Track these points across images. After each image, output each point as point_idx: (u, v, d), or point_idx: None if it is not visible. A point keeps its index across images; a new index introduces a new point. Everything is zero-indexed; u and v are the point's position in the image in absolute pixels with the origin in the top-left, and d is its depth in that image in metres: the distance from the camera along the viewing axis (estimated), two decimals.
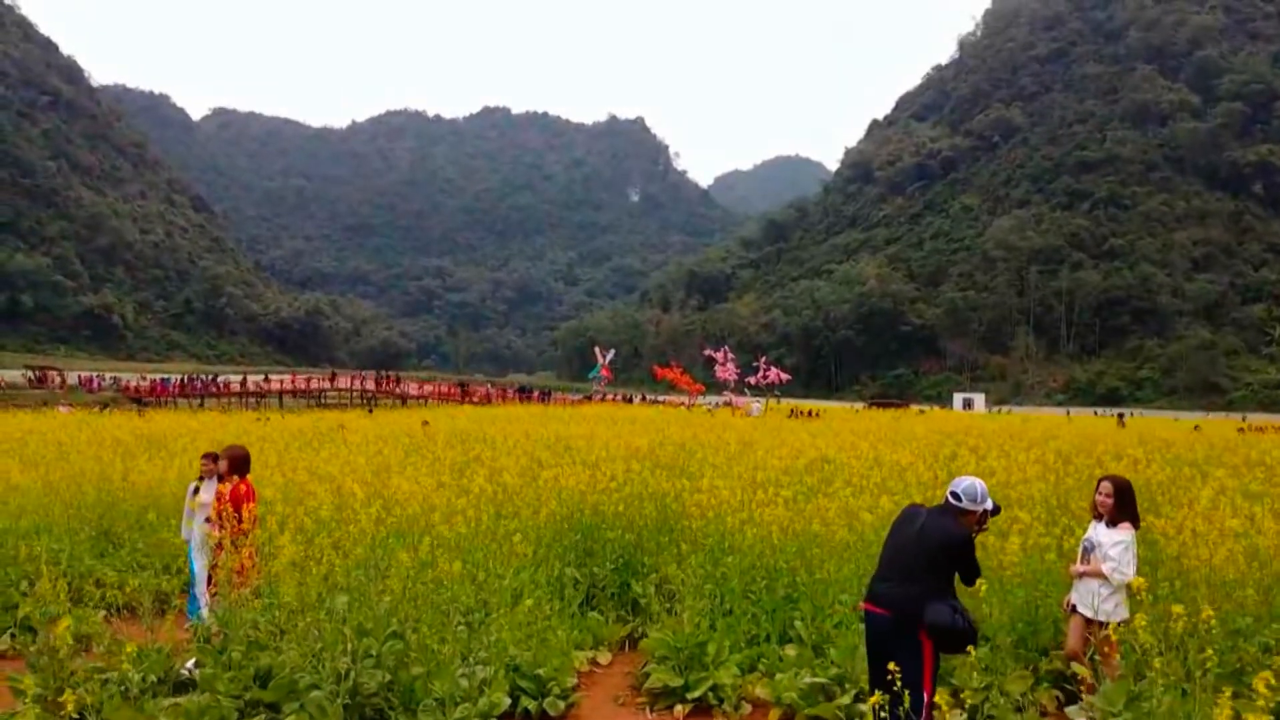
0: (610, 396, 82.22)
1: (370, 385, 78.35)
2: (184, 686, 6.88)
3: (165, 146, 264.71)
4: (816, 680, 6.70)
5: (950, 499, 5.58)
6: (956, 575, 5.43)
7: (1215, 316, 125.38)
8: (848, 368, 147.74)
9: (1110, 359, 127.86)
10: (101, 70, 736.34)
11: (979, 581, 5.68)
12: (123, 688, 6.19)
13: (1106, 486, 6.81)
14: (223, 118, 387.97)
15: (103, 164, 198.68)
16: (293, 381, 78.32)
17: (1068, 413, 59.38)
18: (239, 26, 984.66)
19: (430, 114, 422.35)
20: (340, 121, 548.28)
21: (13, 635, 8.82)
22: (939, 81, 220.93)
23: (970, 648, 5.00)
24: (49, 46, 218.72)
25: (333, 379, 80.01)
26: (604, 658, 8.29)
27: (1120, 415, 47.58)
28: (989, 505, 5.62)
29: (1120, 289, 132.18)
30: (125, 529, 11.63)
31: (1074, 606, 6.84)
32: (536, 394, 78.50)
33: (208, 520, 8.09)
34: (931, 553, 5.30)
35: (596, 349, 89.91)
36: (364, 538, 6.91)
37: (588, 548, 9.42)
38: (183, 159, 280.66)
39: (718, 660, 7.23)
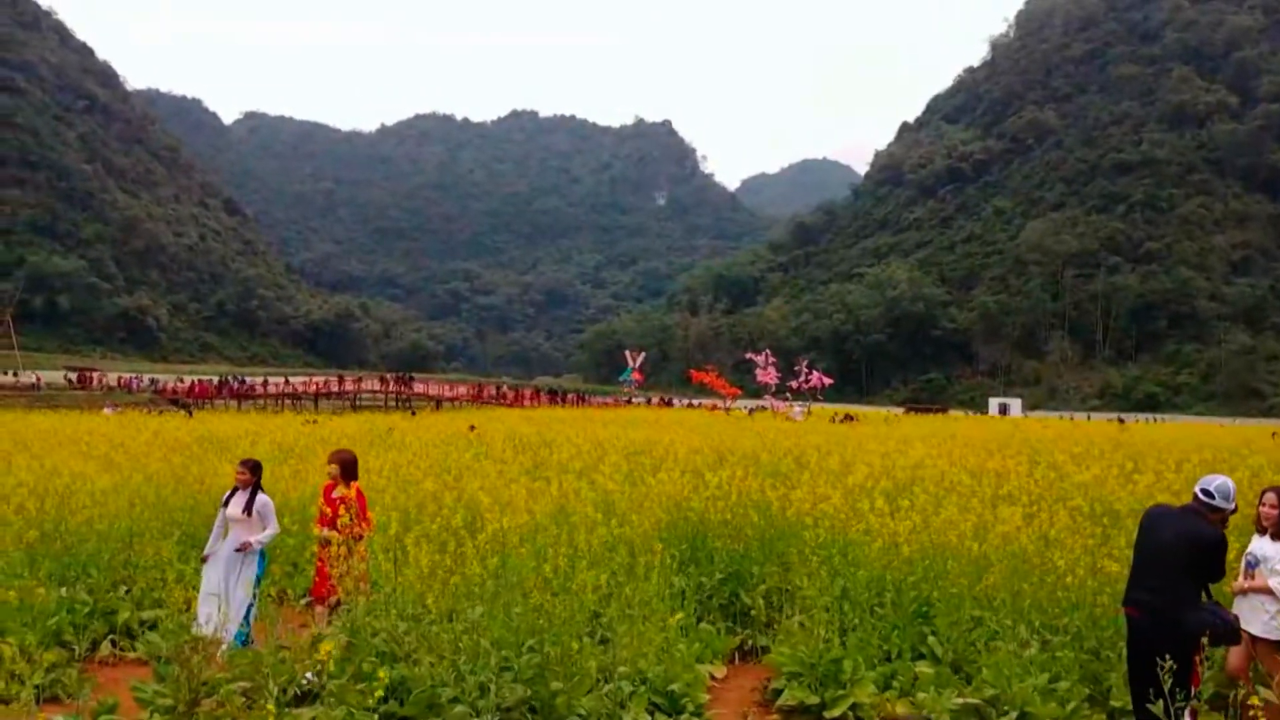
0: (645, 400, 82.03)
1: (378, 386, 78.86)
2: (302, 698, 6.70)
3: (198, 150, 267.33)
4: (968, 701, 6.42)
5: (1201, 497, 5.53)
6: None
7: (1255, 321, 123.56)
8: (879, 372, 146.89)
9: (1147, 364, 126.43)
10: (136, 75, 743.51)
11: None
12: (262, 698, 6.00)
13: (1271, 498, 6.49)
14: (254, 121, 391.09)
15: (137, 167, 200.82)
16: (312, 384, 78.78)
17: (1120, 419, 58.39)
18: (270, 32, 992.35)
19: (458, 118, 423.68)
20: (369, 125, 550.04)
21: (113, 642, 8.70)
22: (970, 83, 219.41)
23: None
24: (85, 52, 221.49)
25: (340, 381, 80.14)
26: (719, 671, 8.05)
27: (1120, 418, 46.78)
28: (1232, 506, 5.57)
29: (1157, 293, 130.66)
30: (206, 533, 11.50)
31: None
32: (572, 396, 78.34)
33: (324, 522, 7.88)
34: (1187, 555, 5.29)
35: (627, 352, 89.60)
36: (497, 546, 6.70)
37: (693, 556, 9.19)
38: (215, 162, 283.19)
39: (854, 677, 6.96)
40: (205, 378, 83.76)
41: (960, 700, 6.45)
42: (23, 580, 8.25)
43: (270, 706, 5.63)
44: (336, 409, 60.65)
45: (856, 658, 7.10)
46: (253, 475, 8.15)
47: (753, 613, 8.92)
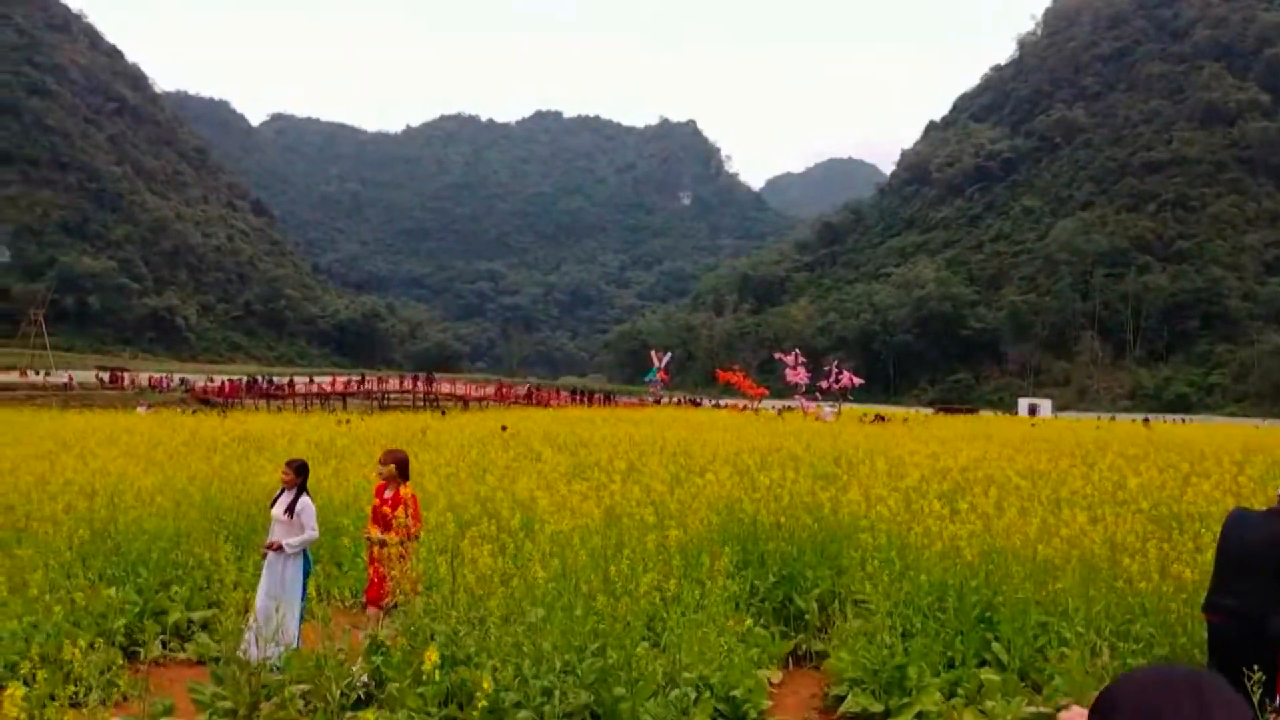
0: (676, 400, 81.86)
1: (398, 384, 79.24)
2: (360, 701, 6.62)
3: (226, 152, 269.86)
4: (1039, 710, 6.26)
5: None
6: None
7: None
8: (906, 372, 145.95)
9: (1179, 364, 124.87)
10: (165, 77, 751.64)
11: None
12: (324, 701, 5.93)
13: None
14: (281, 123, 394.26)
15: (166, 169, 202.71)
16: (333, 384, 79.18)
17: (1145, 419, 57.77)
18: (297, 34, 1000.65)
19: (483, 118, 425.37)
20: (395, 126, 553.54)
21: (164, 643, 8.67)
22: (998, 82, 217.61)
23: None
24: (115, 54, 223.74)
25: (362, 380, 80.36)
26: (775, 676, 7.91)
27: (1145, 419, 46.19)
28: None
29: (1189, 292, 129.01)
30: (249, 533, 11.49)
31: None
32: (598, 396, 78.24)
33: (376, 522, 7.80)
34: (1274, 559, 5.20)
35: (653, 352, 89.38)
36: (556, 548, 6.60)
37: (745, 559, 9.06)
38: (243, 164, 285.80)
39: (919, 684, 6.81)
40: (234, 377, 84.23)
41: (1031, 709, 6.29)
42: (76, 580, 8.25)
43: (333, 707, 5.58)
44: (365, 409, 60.79)
45: (920, 664, 6.95)
46: (298, 476, 8.08)
47: (807, 617, 8.79)
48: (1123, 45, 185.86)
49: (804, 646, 8.57)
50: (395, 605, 6.99)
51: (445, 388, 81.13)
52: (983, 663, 7.31)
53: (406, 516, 7.20)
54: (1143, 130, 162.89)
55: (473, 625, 6.36)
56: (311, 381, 79.05)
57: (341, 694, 6.31)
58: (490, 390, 79.64)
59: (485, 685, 4.59)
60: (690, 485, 10.09)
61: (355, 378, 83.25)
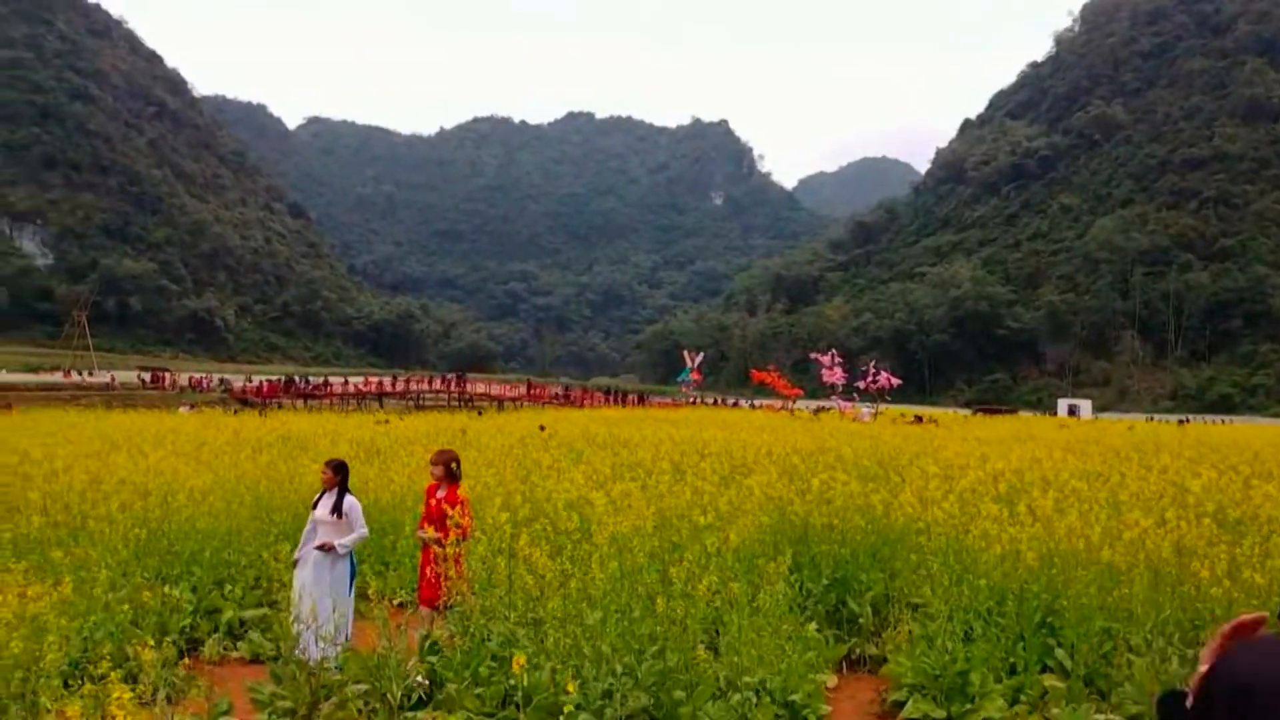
0: (713, 400, 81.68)
1: (427, 385, 79.74)
2: (416, 701, 6.60)
3: (263, 155, 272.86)
4: (1109, 718, 6.13)
5: None
6: None
7: None
8: (942, 372, 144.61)
9: (1221, 364, 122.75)
10: (203, 81, 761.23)
11: None
12: (383, 702, 5.92)
13: None
14: (317, 126, 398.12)
15: (205, 172, 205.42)
16: (370, 384, 79.80)
17: (1181, 420, 56.98)
18: (332, 38, 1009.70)
19: (516, 120, 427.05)
20: (429, 129, 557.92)
21: (218, 641, 8.73)
22: (1035, 79, 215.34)
23: None
24: (154, 59, 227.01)
25: (393, 381, 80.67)
26: (829, 680, 7.81)
27: (1182, 420, 45.47)
28: None
29: (1231, 291, 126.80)
30: (297, 532, 11.53)
31: None
32: (633, 397, 78.24)
33: (428, 522, 7.80)
34: None
35: (686, 352, 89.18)
36: (614, 549, 6.55)
37: (796, 562, 8.96)
38: (280, 167, 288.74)
39: (982, 690, 6.69)
40: (271, 378, 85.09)
41: (1100, 717, 6.17)
42: (132, 579, 8.32)
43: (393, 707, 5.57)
44: (401, 408, 61.14)
45: (983, 670, 6.83)
46: (337, 475, 8.02)
47: (860, 620, 8.69)
48: (1163, 40, 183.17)
49: (857, 650, 8.47)
50: (450, 605, 6.98)
51: (480, 388, 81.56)
52: (1044, 669, 7.18)
53: (461, 516, 7.18)
54: (1183, 126, 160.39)
55: (530, 626, 6.33)
56: (346, 383, 79.70)
57: (406, 696, 6.31)
58: (523, 390, 79.84)
59: (570, 688, 4.50)
60: (740, 487, 9.99)
61: (387, 378, 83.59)
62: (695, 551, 6.92)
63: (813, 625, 8.19)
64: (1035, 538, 7.59)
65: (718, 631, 7.13)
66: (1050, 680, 6.88)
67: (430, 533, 7.38)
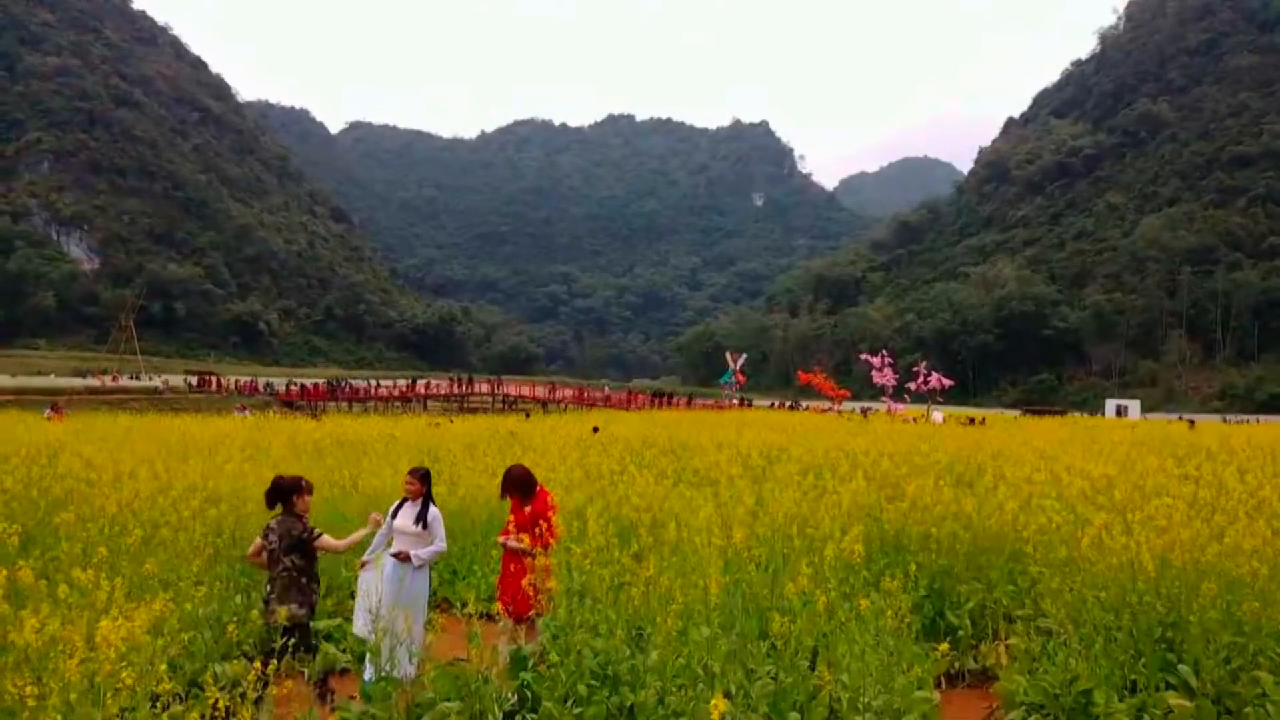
0: (748, 401, 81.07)
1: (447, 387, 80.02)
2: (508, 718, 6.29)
3: (306, 159, 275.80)
4: None
5: None
6: None
7: None
8: (986, 373, 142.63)
9: (1271, 364, 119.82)
10: (247, 87, 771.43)
11: None
12: None
13: None
14: (359, 131, 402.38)
15: (249, 177, 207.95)
16: (397, 388, 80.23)
17: (1223, 418, 55.73)
18: (374, 43, 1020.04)
19: (556, 123, 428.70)
20: (470, 132, 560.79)
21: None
22: (1079, 77, 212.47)
23: None
24: (199, 65, 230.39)
25: (412, 385, 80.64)
26: (934, 697, 7.41)
27: (1190, 421, 44.52)
28: None
29: None
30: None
31: None
32: (679, 399, 77.89)
33: (521, 532, 7.50)
34: None
35: (728, 354, 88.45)
36: (720, 563, 6.21)
37: (889, 572, 8.57)
38: (322, 171, 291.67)
39: (1108, 710, 6.26)
40: (315, 381, 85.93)
41: None
42: (204, 589, 8.09)
43: None
44: (448, 411, 61.30)
45: (1106, 688, 6.40)
46: (423, 485, 7.78)
47: (960, 633, 8.29)
48: (1209, 37, 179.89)
49: (956, 665, 8.08)
50: (538, 616, 6.68)
51: (511, 389, 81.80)
52: (1168, 686, 6.73)
53: (552, 527, 6.89)
54: (1231, 124, 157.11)
55: (634, 643, 6.00)
56: (394, 385, 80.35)
57: (507, 715, 6.01)
58: (569, 393, 79.82)
59: (722, 706, 4.11)
60: (829, 495, 9.59)
61: (423, 381, 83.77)
62: (815, 563, 6.55)
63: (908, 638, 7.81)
64: (1153, 548, 7.14)
65: (828, 648, 6.78)
66: (1175, 699, 6.42)
67: (523, 541, 7.09)
